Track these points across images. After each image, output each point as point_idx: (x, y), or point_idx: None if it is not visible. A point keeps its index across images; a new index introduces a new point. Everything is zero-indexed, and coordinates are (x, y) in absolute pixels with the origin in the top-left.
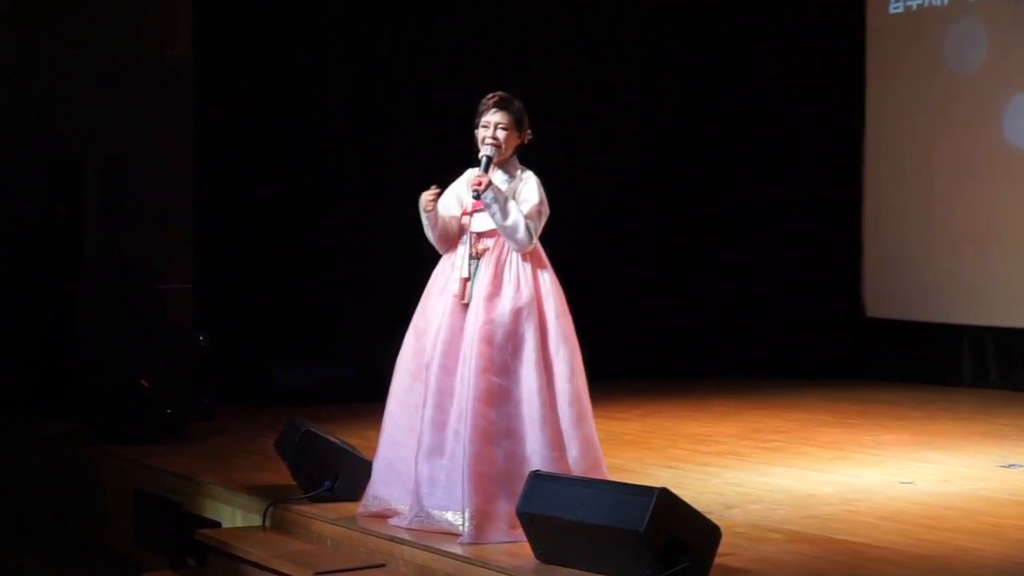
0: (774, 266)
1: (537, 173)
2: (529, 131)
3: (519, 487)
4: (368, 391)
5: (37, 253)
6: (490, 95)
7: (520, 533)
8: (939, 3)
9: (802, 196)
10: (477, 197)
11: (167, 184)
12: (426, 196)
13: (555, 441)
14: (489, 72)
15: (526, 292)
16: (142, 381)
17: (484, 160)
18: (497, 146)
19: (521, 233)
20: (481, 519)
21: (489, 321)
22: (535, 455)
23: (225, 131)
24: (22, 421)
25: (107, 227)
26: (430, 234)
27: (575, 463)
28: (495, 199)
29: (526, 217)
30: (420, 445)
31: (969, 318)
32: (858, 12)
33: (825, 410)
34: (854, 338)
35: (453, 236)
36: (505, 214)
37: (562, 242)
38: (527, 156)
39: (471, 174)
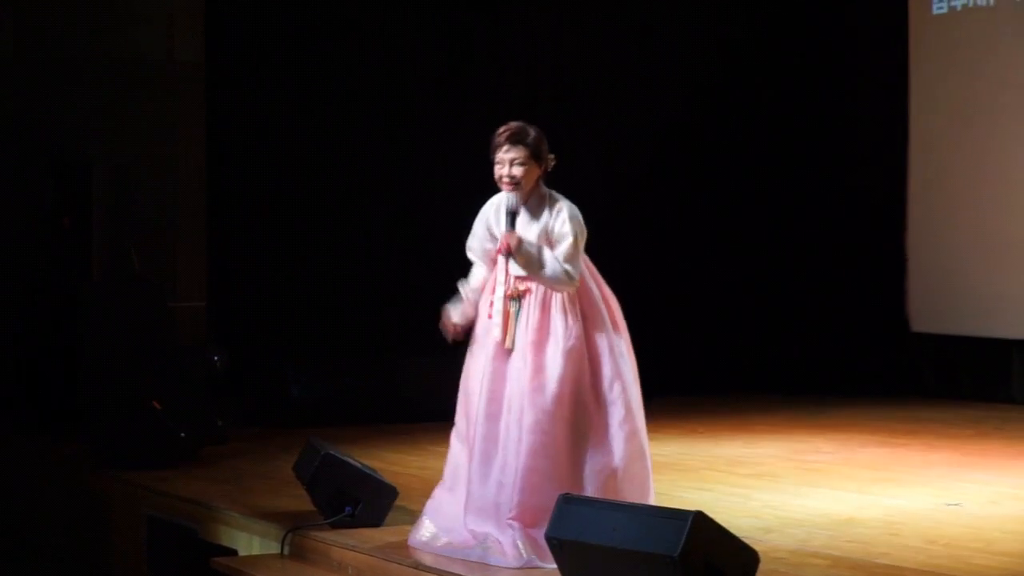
0: (816, 279)
1: (562, 182)
2: (551, 156)
3: None
4: (390, 410)
5: (42, 266)
6: (502, 129)
7: None
8: (985, 3)
9: (844, 207)
10: (509, 256)
11: (178, 194)
12: (449, 332)
13: (609, 481)
14: (504, 67)
15: (575, 331)
16: (154, 402)
17: (508, 218)
18: (515, 189)
19: (562, 281)
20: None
21: (540, 370)
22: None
23: (238, 138)
24: (26, 445)
25: (116, 239)
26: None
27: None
28: (528, 261)
29: (564, 262)
30: (468, 496)
31: (1020, 332)
32: (901, 13)
33: (868, 429)
34: (899, 354)
35: (487, 265)
36: (541, 267)
37: (594, 254)
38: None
39: (499, 200)
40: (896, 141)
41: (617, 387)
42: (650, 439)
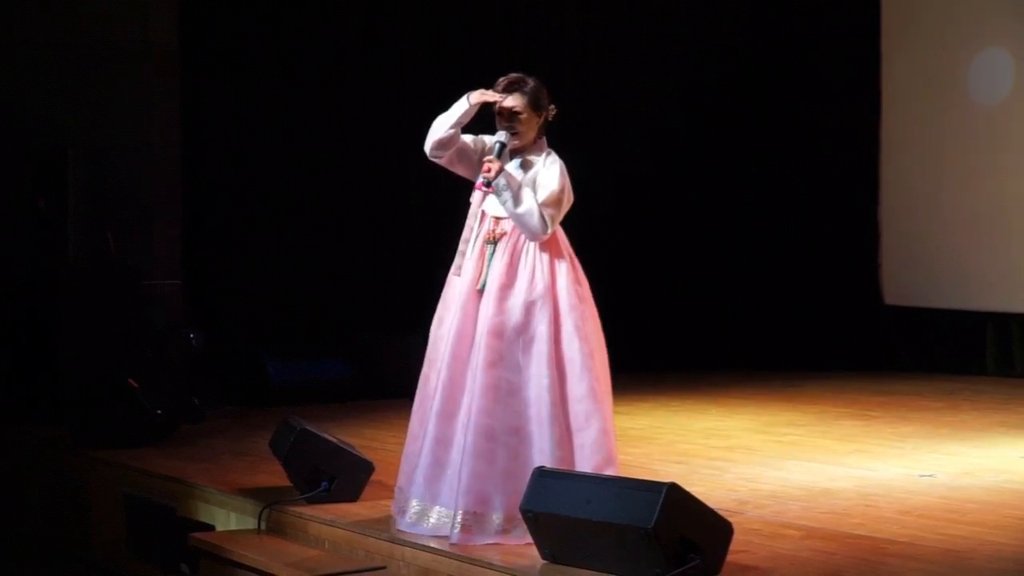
0: (790, 254)
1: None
2: (552, 106)
3: (521, 487)
4: (366, 388)
5: (17, 248)
6: (501, 79)
7: (511, 536)
8: None
9: (817, 182)
10: (488, 184)
11: (153, 176)
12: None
13: (563, 440)
14: (498, 52)
15: (540, 284)
16: (130, 382)
17: (498, 146)
18: (514, 132)
19: (535, 222)
20: (469, 520)
21: (500, 313)
22: (542, 454)
23: (213, 121)
24: (3, 426)
25: (91, 222)
26: (444, 126)
27: (583, 463)
28: (507, 186)
29: (542, 205)
30: (426, 435)
31: (993, 304)
32: None
33: (842, 402)
34: (873, 327)
35: (451, 154)
36: (517, 201)
37: (575, 232)
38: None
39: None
40: (868, 115)
41: (576, 344)
42: (624, 413)
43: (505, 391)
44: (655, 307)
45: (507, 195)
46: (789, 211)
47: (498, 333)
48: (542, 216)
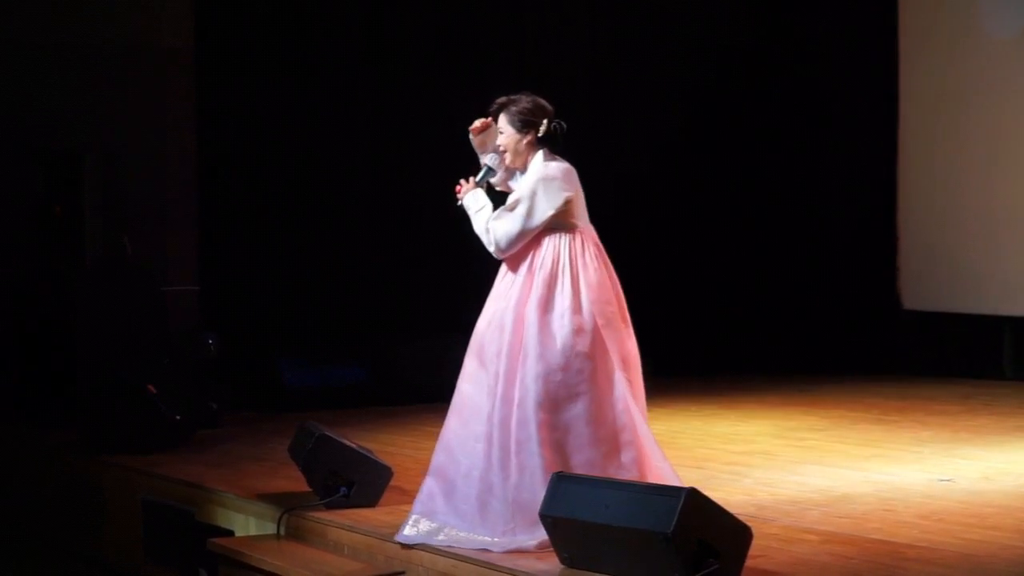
0: (807, 258)
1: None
2: (543, 122)
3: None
4: (381, 393)
5: (34, 253)
6: (494, 103)
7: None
8: None
9: (835, 186)
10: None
11: (169, 179)
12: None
13: (504, 462)
14: (504, 54)
15: (514, 296)
16: (148, 386)
17: (484, 170)
18: (501, 153)
19: (484, 242)
20: None
21: (477, 331)
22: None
23: (228, 123)
24: (20, 431)
25: (107, 226)
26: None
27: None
28: (467, 210)
29: (492, 221)
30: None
31: (1011, 309)
32: None
33: (861, 406)
34: (891, 331)
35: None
36: (475, 224)
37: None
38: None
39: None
40: (886, 120)
41: (533, 354)
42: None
43: (459, 406)
44: (672, 312)
45: (472, 216)
46: (807, 215)
47: (473, 350)
48: (486, 232)
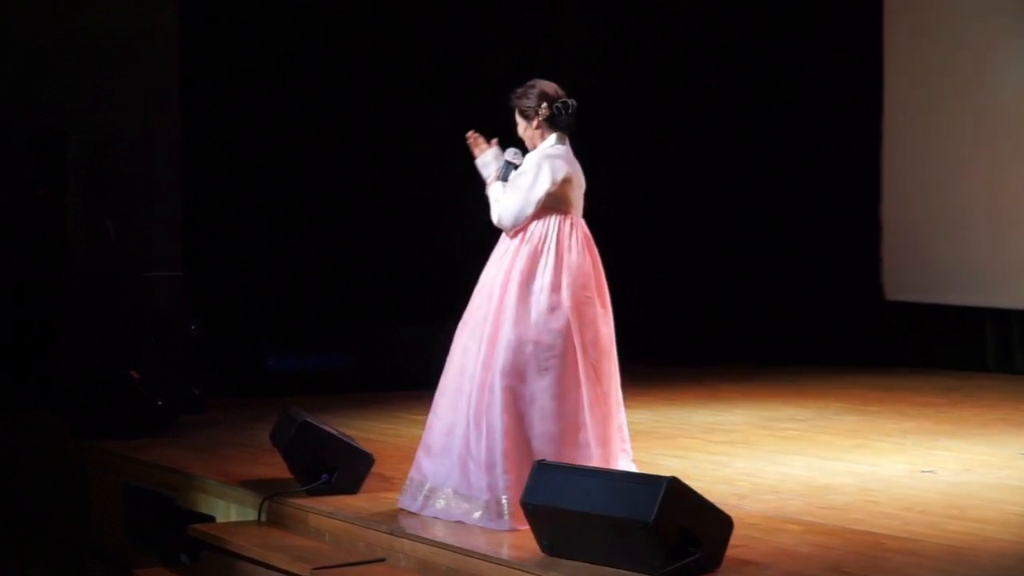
0: (790, 249)
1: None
2: (544, 105)
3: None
4: (365, 379)
5: (17, 238)
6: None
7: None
8: None
9: (818, 177)
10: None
11: (154, 164)
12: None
13: (478, 421)
14: (502, 51)
15: (504, 265)
16: (131, 372)
17: (504, 164)
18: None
19: (495, 222)
20: None
21: (472, 297)
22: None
23: (213, 108)
24: (3, 415)
25: (92, 210)
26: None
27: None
28: (489, 199)
29: (503, 196)
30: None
31: (994, 300)
32: None
33: (843, 397)
34: (873, 322)
35: None
36: (492, 211)
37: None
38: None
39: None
40: (870, 112)
41: (491, 324)
42: (624, 407)
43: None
44: (656, 302)
45: (492, 204)
46: (790, 206)
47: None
48: (493, 203)
